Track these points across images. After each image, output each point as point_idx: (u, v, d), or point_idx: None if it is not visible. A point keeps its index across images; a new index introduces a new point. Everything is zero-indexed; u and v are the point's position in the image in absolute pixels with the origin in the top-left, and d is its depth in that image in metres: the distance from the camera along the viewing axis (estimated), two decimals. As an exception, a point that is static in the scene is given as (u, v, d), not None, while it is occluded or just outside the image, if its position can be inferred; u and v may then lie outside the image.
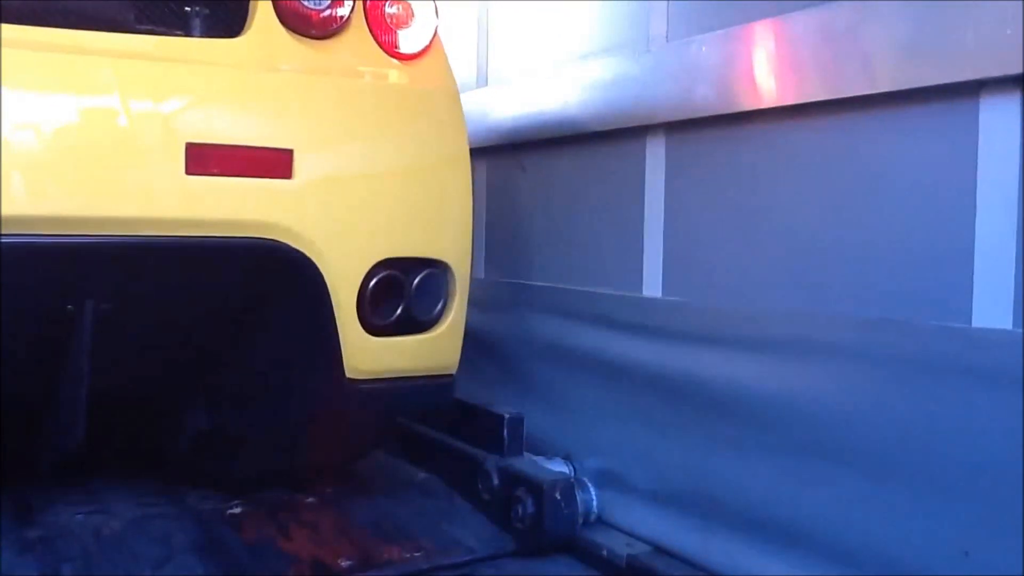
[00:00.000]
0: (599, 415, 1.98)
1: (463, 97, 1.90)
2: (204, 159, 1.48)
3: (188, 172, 1.48)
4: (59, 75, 1.43)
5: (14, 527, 1.86)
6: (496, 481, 1.98)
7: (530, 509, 1.86)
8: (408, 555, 1.85)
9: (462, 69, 2.22)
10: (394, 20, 1.81)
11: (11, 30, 1.41)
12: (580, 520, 1.87)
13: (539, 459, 2.01)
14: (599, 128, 2.10)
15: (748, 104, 1.65)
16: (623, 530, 1.87)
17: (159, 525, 1.93)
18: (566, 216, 2.25)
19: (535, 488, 1.86)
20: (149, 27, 1.59)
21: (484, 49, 2.59)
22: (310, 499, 2.08)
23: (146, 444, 2.17)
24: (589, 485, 1.91)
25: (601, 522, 1.90)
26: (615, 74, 2.05)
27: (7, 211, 1.35)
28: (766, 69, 1.62)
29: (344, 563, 1.80)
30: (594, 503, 1.90)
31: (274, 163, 1.56)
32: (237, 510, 2.00)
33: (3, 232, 1.35)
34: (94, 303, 1.53)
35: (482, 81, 2.56)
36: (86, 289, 1.51)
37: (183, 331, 1.75)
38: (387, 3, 1.80)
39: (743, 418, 1.63)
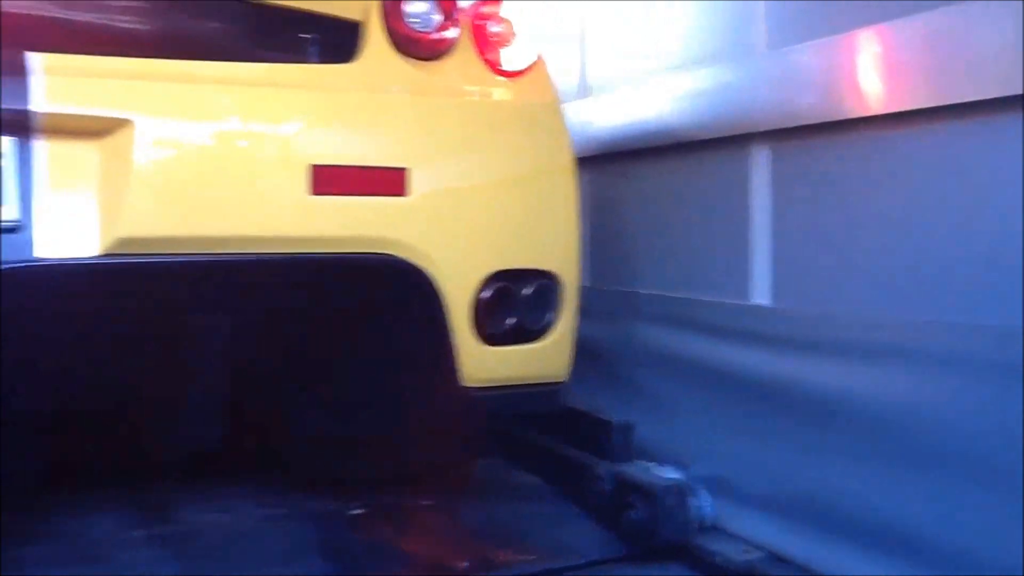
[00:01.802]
0: (709, 422, 2.00)
1: (565, 108, 1.95)
2: (327, 180, 1.56)
3: (312, 192, 1.56)
4: (191, 105, 1.52)
5: (154, 524, 1.98)
6: (607, 487, 2.01)
7: (642, 514, 1.89)
8: (522, 558, 1.89)
9: (563, 80, 2.26)
10: (498, 39, 1.86)
11: (141, 63, 1.52)
12: (693, 526, 1.88)
13: (650, 465, 2.03)
14: (701, 136, 2.12)
15: (855, 111, 1.65)
16: (736, 536, 1.87)
17: (284, 525, 2.02)
18: (669, 224, 2.27)
19: (648, 494, 1.88)
20: (268, 55, 1.68)
21: (583, 60, 2.63)
22: (425, 502, 2.15)
23: (267, 447, 2.28)
24: (701, 491, 1.92)
25: (714, 528, 1.91)
26: (716, 83, 2.07)
27: (151, 232, 1.45)
28: (873, 76, 1.61)
29: (462, 564, 1.85)
30: (707, 509, 1.91)
31: (390, 181, 1.63)
32: (356, 512, 2.08)
33: (145, 252, 1.46)
34: (226, 316, 1.63)
35: (583, 92, 2.61)
36: (219, 303, 1.61)
37: (304, 340, 1.84)
38: (491, 23, 1.86)
39: (857, 425, 1.63)
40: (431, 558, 1.89)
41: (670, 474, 1.98)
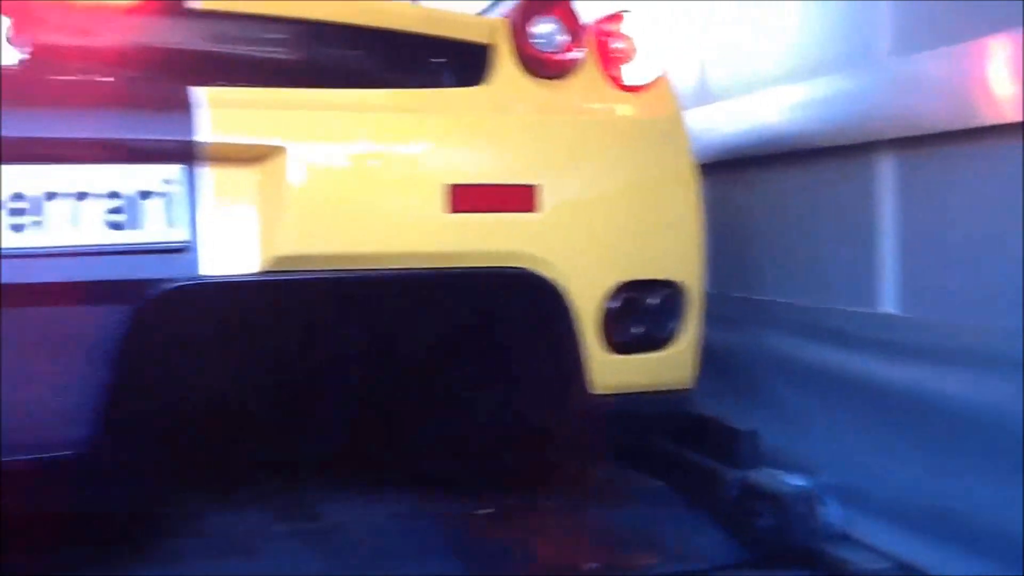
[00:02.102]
0: (836, 430, 1.99)
1: (685, 114, 1.97)
2: (462, 198, 1.65)
3: (448, 210, 1.65)
4: (336, 131, 1.63)
5: (296, 520, 2.10)
6: (734, 493, 2.03)
7: (770, 521, 1.90)
8: (648, 561, 1.93)
9: (682, 87, 2.30)
10: (621, 55, 1.91)
11: (290, 93, 1.64)
12: (821, 534, 1.89)
13: (777, 472, 2.04)
14: (824, 144, 2.12)
15: (986, 119, 1.63)
16: (865, 545, 1.87)
17: (416, 525, 2.11)
18: (790, 232, 2.27)
19: (776, 501, 1.90)
20: (403, 81, 1.78)
21: (702, 67, 2.65)
22: (552, 503, 2.21)
23: (401, 449, 2.38)
24: (829, 499, 1.92)
25: (842, 537, 1.91)
26: (837, 90, 2.07)
27: (304, 250, 1.56)
28: (1005, 83, 1.59)
29: (589, 566, 1.91)
30: (835, 517, 1.91)
31: (521, 198, 1.70)
32: (484, 512, 2.16)
33: (299, 268, 1.57)
34: (367, 325, 1.73)
35: (703, 98, 2.62)
36: (362, 313, 1.71)
37: (437, 348, 1.93)
38: (614, 40, 1.92)
39: (990, 435, 1.61)
40: (558, 559, 1.94)
41: (797, 481, 1.99)
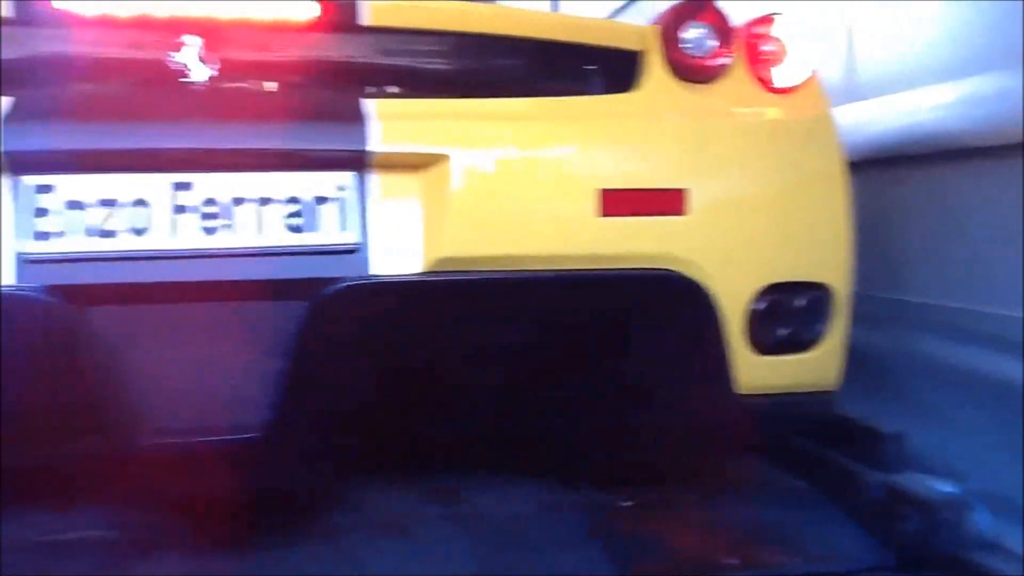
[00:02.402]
0: (986, 436, 1.96)
1: (834, 111, 1.97)
2: (613, 202, 1.70)
3: (600, 214, 1.71)
4: (495, 138, 1.70)
5: (447, 504, 2.21)
6: (878, 495, 2.02)
7: (916, 526, 1.89)
8: (788, 560, 1.95)
9: (831, 84, 2.28)
10: (771, 57, 1.92)
11: (451, 103, 1.72)
12: (970, 541, 1.87)
13: (924, 477, 2.02)
14: (978, 143, 2.07)
15: None
16: (1016, 556, 1.84)
17: (559, 514, 2.17)
18: (943, 232, 2.23)
19: (922, 506, 1.88)
20: (557, 88, 1.85)
21: (852, 64, 2.62)
22: (691, 497, 2.24)
23: (546, 440, 2.46)
24: (978, 506, 1.90)
25: (992, 546, 1.88)
26: (996, 88, 2.02)
27: (465, 252, 1.66)
28: None
29: (730, 562, 1.94)
30: (984, 524, 1.88)
31: (671, 201, 1.75)
32: (626, 504, 2.22)
33: (459, 269, 1.66)
34: (520, 323, 1.81)
35: (853, 95, 2.59)
36: (516, 312, 1.80)
37: (585, 344, 1.99)
38: (764, 42, 1.93)
39: None
40: (698, 553, 1.98)
41: (946, 487, 1.96)
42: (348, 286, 1.61)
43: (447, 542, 2.00)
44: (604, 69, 1.87)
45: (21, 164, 1.54)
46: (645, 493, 2.25)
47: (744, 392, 1.84)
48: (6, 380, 1.59)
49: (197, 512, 1.87)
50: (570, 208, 1.70)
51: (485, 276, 1.66)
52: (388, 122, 1.64)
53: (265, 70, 1.74)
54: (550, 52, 1.84)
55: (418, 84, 1.79)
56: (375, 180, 1.65)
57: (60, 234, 1.55)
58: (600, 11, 4.47)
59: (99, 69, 1.69)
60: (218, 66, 1.67)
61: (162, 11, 1.63)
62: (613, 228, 1.71)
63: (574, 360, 1.90)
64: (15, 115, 1.54)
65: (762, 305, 1.82)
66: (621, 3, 4.19)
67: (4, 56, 1.63)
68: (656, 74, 1.85)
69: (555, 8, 5.72)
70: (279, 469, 1.85)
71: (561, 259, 1.71)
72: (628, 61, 1.85)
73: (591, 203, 1.70)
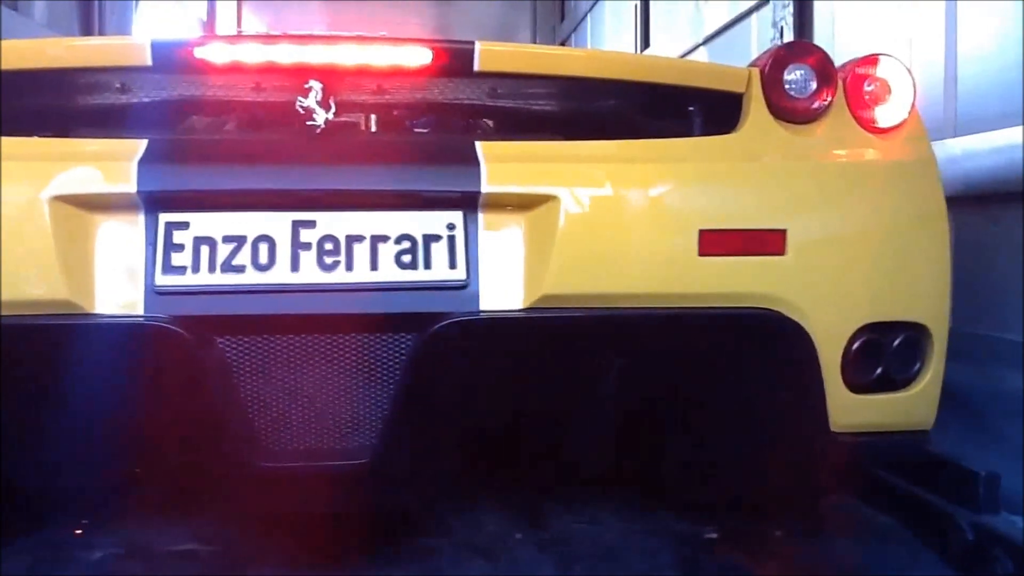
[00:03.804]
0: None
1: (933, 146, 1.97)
2: (714, 242, 1.74)
3: (700, 254, 1.74)
4: (599, 180, 1.74)
5: (533, 529, 2.26)
6: (969, 536, 2.01)
7: (1008, 569, 1.88)
8: (876, 598, 1.96)
9: (927, 119, 2.28)
10: (872, 97, 1.94)
11: (558, 146, 1.78)
12: (1065, 587, 1.85)
13: (1017, 519, 2.01)
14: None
15: None
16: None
17: (644, 542, 2.21)
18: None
19: (1017, 550, 1.88)
20: (659, 130, 1.89)
21: (952, 100, 2.61)
22: (778, 532, 2.25)
23: (633, 469, 2.50)
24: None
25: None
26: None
27: (568, 289, 1.70)
28: None
29: (817, 598, 1.95)
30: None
31: (770, 242, 1.77)
32: (712, 535, 2.24)
33: (562, 306, 1.72)
34: (619, 359, 1.86)
35: (948, 131, 2.58)
36: (616, 348, 1.84)
37: (681, 379, 2.03)
38: (867, 82, 1.94)
39: None
40: (785, 587, 2.00)
41: (1041, 531, 1.95)
42: (458, 321, 1.67)
43: (533, 566, 2.05)
44: (706, 110, 1.91)
45: (155, 202, 1.64)
46: (732, 525, 2.27)
47: (838, 430, 1.86)
48: (136, 402, 1.69)
49: (295, 530, 1.96)
50: (671, 248, 1.74)
51: (586, 313, 1.71)
52: (497, 164, 1.70)
53: (380, 113, 1.82)
54: (654, 94, 1.89)
55: (525, 126, 1.85)
56: (483, 219, 1.71)
57: (190, 268, 1.64)
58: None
59: (227, 113, 1.78)
60: (338, 110, 1.75)
61: (287, 58, 1.72)
62: (713, 268, 1.75)
63: (669, 395, 1.94)
64: (150, 156, 1.64)
65: (859, 344, 1.84)
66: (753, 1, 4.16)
67: (140, 101, 1.74)
68: (757, 115, 1.88)
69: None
70: (379, 493, 1.92)
71: (660, 297, 1.75)
72: (730, 103, 1.89)
73: (692, 243, 1.74)
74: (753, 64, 1.95)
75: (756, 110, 1.88)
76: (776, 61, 1.88)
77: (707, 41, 5.04)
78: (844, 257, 1.84)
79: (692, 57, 5.24)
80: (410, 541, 2.11)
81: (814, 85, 1.88)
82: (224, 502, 2.08)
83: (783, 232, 1.78)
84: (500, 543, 2.17)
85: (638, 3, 6.78)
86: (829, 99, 1.89)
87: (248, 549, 2.07)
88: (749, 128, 1.87)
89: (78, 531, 2.11)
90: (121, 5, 6.98)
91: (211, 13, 10.22)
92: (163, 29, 8.19)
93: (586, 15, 9.09)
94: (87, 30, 6.27)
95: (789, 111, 1.88)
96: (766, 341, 1.84)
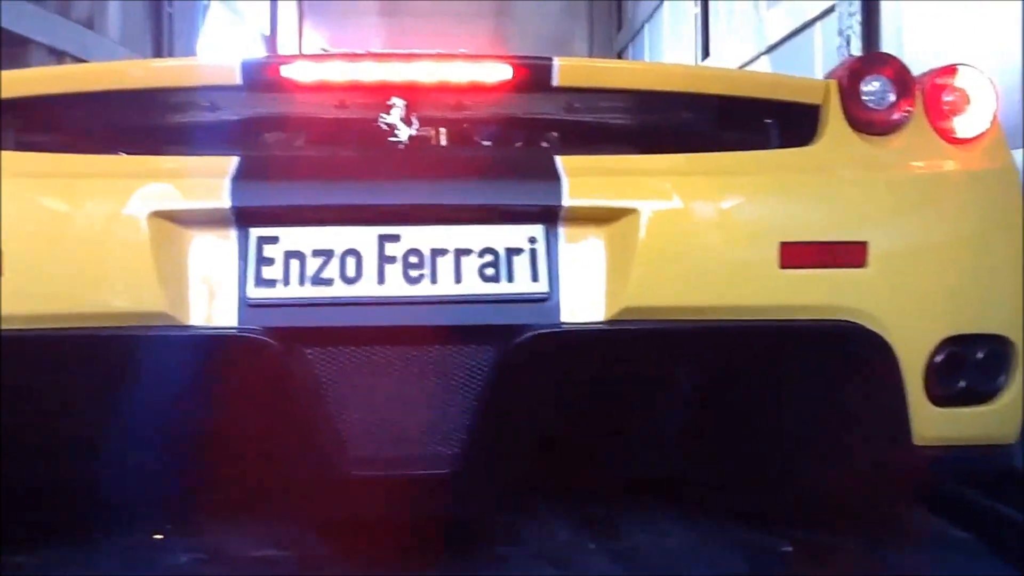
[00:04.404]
0: None
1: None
2: (794, 255, 1.74)
3: (781, 266, 1.74)
4: (680, 193, 1.75)
5: (603, 538, 2.26)
6: (1053, 552, 1.99)
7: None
8: (954, 613, 1.93)
9: (1004, 126, 2.24)
10: (951, 108, 1.92)
11: (637, 159, 1.79)
12: None
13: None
14: None
15: None
16: None
17: (715, 553, 2.20)
18: None
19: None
20: (738, 142, 1.90)
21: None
22: (852, 545, 2.23)
23: (703, 478, 2.50)
24: None
25: None
26: None
27: (649, 302, 1.72)
28: None
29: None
30: None
31: (851, 254, 1.77)
32: (787, 549, 2.22)
33: (643, 318, 1.73)
34: (699, 370, 1.87)
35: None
36: (696, 359, 1.85)
37: (762, 392, 2.03)
38: (945, 92, 1.93)
39: None
40: (860, 602, 1.98)
41: None
42: (541, 333, 1.70)
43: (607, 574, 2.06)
44: (784, 123, 1.91)
45: (246, 217, 1.69)
46: (807, 537, 2.25)
47: (921, 443, 1.84)
48: (226, 411, 1.75)
49: (372, 536, 2.00)
50: (751, 260, 1.75)
51: (670, 325, 1.73)
52: (578, 178, 1.73)
53: (461, 128, 1.86)
54: (731, 107, 1.90)
55: (605, 140, 1.87)
56: (564, 232, 1.74)
57: (280, 281, 1.69)
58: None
59: (313, 130, 1.84)
60: (420, 126, 1.79)
61: (371, 76, 1.76)
62: (794, 280, 1.75)
63: (747, 406, 1.94)
64: (241, 173, 1.70)
65: (941, 357, 1.82)
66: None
67: (230, 118, 1.80)
68: (836, 127, 1.88)
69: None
70: (457, 500, 1.95)
71: (741, 310, 1.76)
72: (808, 114, 1.89)
73: (772, 255, 1.74)
74: (829, 76, 1.95)
75: (835, 122, 1.88)
76: (853, 72, 1.88)
77: (770, 50, 5.01)
78: (926, 269, 1.83)
79: (754, 67, 5.21)
80: (484, 549, 2.14)
81: (892, 96, 1.88)
82: (302, 508, 2.12)
83: (864, 244, 1.78)
84: (573, 552, 2.18)
85: (698, 12, 6.77)
86: (908, 110, 1.88)
87: (325, 553, 2.12)
88: (828, 140, 1.87)
89: (158, 535, 2.17)
90: (188, 25, 7.19)
91: (273, 29, 10.44)
92: (228, 45, 8.38)
93: (644, 24, 9.08)
94: (157, 47, 6.46)
95: (867, 123, 1.88)
96: (848, 354, 1.83)
